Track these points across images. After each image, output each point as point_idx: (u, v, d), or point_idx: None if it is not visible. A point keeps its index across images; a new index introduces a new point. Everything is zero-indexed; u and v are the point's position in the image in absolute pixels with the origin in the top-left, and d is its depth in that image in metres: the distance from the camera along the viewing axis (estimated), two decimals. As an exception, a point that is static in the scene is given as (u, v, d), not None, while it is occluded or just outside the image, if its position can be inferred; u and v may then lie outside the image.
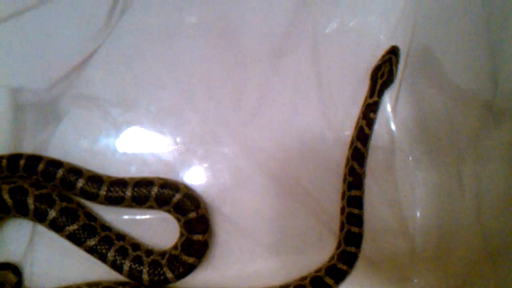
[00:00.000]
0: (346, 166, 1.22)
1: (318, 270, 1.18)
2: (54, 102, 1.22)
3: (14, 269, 1.17)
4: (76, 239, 1.13)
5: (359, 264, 1.20)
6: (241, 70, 1.25)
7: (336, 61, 1.27)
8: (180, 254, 1.13)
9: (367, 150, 1.23)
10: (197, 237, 1.14)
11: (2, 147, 1.19)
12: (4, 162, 1.15)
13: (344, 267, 1.17)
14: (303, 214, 1.23)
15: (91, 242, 1.13)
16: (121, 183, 1.17)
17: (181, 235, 1.16)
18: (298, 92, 1.26)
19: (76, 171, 1.17)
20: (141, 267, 1.13)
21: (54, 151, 1.21)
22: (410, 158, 1.24)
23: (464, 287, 1.19)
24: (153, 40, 1.24)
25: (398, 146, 1.24)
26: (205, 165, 1.24)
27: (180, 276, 1.13)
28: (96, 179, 1.17)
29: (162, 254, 1.15)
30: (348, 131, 1.24)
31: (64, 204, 1.13)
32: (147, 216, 1.22)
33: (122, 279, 1.16)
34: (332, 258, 1.20)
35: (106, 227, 1.17)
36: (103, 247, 1.13)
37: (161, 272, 1.12)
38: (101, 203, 1.17)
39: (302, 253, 1.22)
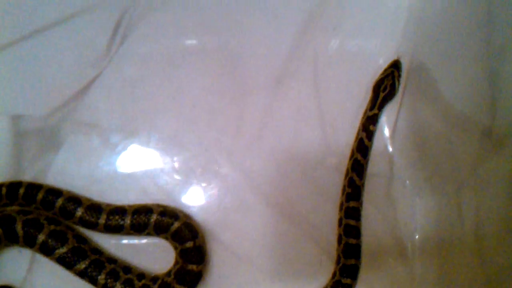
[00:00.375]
0: (345, 177, 1.22)
1: None
2: (54, 129, 1.22)
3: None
4: (65, 262, 1.13)
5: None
6: (242, 97, 1.26)
7: (336, 87, 1.27)
8: (173, 282, 1.13)
9: (367, 162, 1.23)
10: (192, 267, 1.14)
11: (1, 174, 1.19)
12: (4, 190, 1.16)
13: (348, 281, 1.17)
14: (302, 240, 1.23)
15: (81, 266, 1.12)
16: (120, 211, 1.17)
17: (176, 262, 1.16)
18: (299, 118, 1.26)
19: (75, 200, 1.17)
20: None
21: (54, 178, 1.21)
22: (409, 184, 1.24)
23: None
24: (154, 67, 1.25)
25: (397, 173, 1.24)
26: (206, 192, 1.24)
27: (169, 303, 1.13)
28: (95, 207, 1.17)
29: (154, 279, 1.15)
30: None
31: (52, 227, 1.14)
32: (143, 241, 1.21)
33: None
34: (334, 274, 1.19)
35: (96, 250, 1.17)
36: (93, 270, 1.13)
37: None
38: (100, 231, 1.17)
39: (302, 279, 1.22)
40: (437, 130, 1.24)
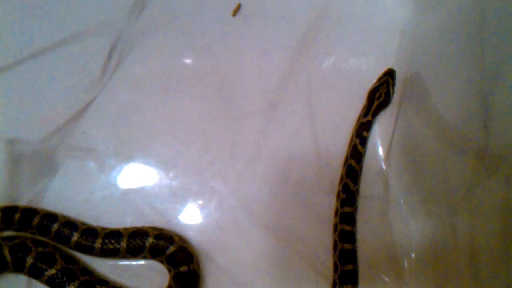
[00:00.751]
0: (339, 183, 1.23)
1: None
2: (49, 153, 1.22)
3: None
4: (55, 284, 1.12)
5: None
6: (237, 122, 1.26)
7: (330, 110, 1.28)
8: None
9: (361, 168, 1.24)
10: None
11: (-3, 199, 1.19)
12: (-1, 215, 1.16)
13: (349, 287, 1.17)
14: (298, 263, 1.23)
15: (71, 287, 1.12)
16: (115, 234, 1.17)
17: (169, 286, 1.16)
18: (293, 142, 1.27)
19: (70, 225, 1.17)
20: None
21: (50, 202, 1.21)
22: (404, 207, 1.24)
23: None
24: (149, 92, 1.26)
25: (392, 195, 1.24)
26: (201, 215, 1.24)
27: (161, 327, 1.13)
28: (90, 232, 1.17)
29: None
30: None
31: (40, 249, 1.14)
32: (137, 263, 1.21)
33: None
34: (334, 283, 1.20)
35: (86, 271, 1.17)
36: None
37: None
38: (97, 255, 1.17)
39: (299, 302, 1.22)
40: (431, 152, 1.24)
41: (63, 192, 1.22)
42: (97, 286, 1.14)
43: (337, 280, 1.18)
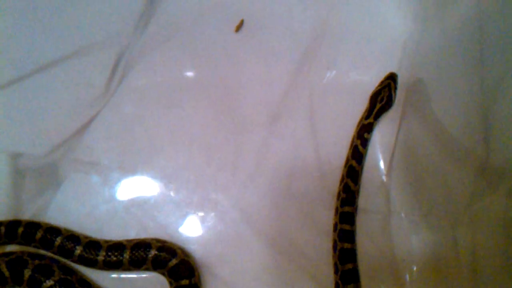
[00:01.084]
0: (340, 184, 1.24)
1: None
2: (53, 167, 1.23)
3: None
4: None
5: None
6: (240, 135, 1.27)
7: (332, 123, 1.29)
8: None
9: (361, 169, 1.25)
10: None
11: (1, 212, 1.20)
12: (3, 229, 1.16)
13: (352, 286, 1.17)
14: (300, 276, 1.23)
15: None
16: (118, 246, 1.17)
17: None
18: (295, 155, 1.27)
19: (73, 238, 1.17)
20: None
21: (53, 216, 1.21)
22: (405, 220, 1.24)
23: None
24: (152, 105, 1.27)
25: (393, 209, 1.25)
26: (204, 228, 1.24)
27: None
28: (93, 244, 1.17)
29: None
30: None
31: (37, 261, 1.14)
32: (137, 276, 1.21)
33: None
34: (336, 284, 1.19)
35: (84, 282, 1.17)
36: None
37: None
38: (100, 269, 1.18)
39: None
40: (433, 166, 1.25)
41: (66, 205, 1.22)
42: None
43: (339, 281, 1.19)
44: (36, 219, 1.20)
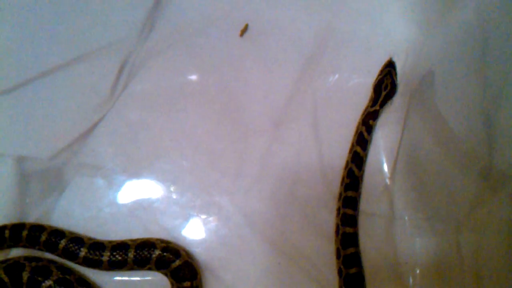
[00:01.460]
0: (345, 169, 1.25)
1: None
2: (58, 171, 1.24)
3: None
4: None
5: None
6: (243, 140, 1.28)
7: (336, 129, 1.29)
8: None
9: (366, 155, 1.26)
10: None
11: (6, 216, 1.20)
12: (7, 232, 1.17)
13: (354, 269, 1.17)
14: (304, 281, 1.23)
15: None
16: (123, 246, 1.18)
17: None
18: (298, 160, 1.28)
19: (77, 240, 1.18)
20: None
21: (58, 219, 1.22)
22: (409, 224, 1.25)
23: None
24: (157, 110, 1.27)
25: (397, 213, 1.25)
26: (208, 233, 1.24)
27: None
28: (98, 246, 1.18)
29: None
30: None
31: (34, 263, 1.15)
32: (139, 278, 1.22)
33: None
34: (339, 270, 1.20)
35: (83, 281, 1.17)
36: None
37: None
38: (105, 269, 1.18)
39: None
40: (436, 170, 1.25)
41: (71, 209, 1.23)
42: None
43: (342, 267, 1.19)
44: (41, 222, 1.21)
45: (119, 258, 1.16)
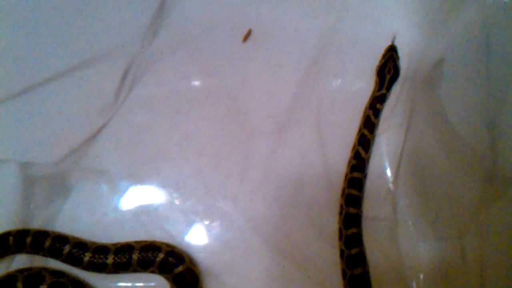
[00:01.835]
0: (352, 150, 1.26)
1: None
2: (63, 176, 1.24)
3: None
4: None
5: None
6: (247, 144, 1.28)
7: (340, 132, 1.29)
8: None
9: (373, 138, 1.27)
10: None
11: (11, 221, 1.20)
12: (11, 239, 1.17)
13: (357, 249, 1.18)
14: (307, 284, 1.23)
15: None
16: (127, 248, 1.18)
17: None
18: (303, 163, 1.28)
19: (81, 245, 1.18)
20: None
21: (63, 224, 1.22)
22: (412, 228, 1.25)
23: None
24: (161, 114, 1.28)
25: (400, 217, 1.25)
26: (212, 237, 1.25)
27: None
28: (102, 249, 1.18)
29: None
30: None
31: (26, 273, 1.15)
32: (139, 284, 1.22)
33: None
34: (341, 252, 1.20)
35: (77, 283, 1.17)
36: None
37: None
38: (110, 272, 1.18)
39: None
40: (440, 174, 1.25)
41: (76, 214, 1.23)
42: None
43: (343, 247, 1.20)
44: (46, 227, 1.21)
45: (124, 260, 1.16)
